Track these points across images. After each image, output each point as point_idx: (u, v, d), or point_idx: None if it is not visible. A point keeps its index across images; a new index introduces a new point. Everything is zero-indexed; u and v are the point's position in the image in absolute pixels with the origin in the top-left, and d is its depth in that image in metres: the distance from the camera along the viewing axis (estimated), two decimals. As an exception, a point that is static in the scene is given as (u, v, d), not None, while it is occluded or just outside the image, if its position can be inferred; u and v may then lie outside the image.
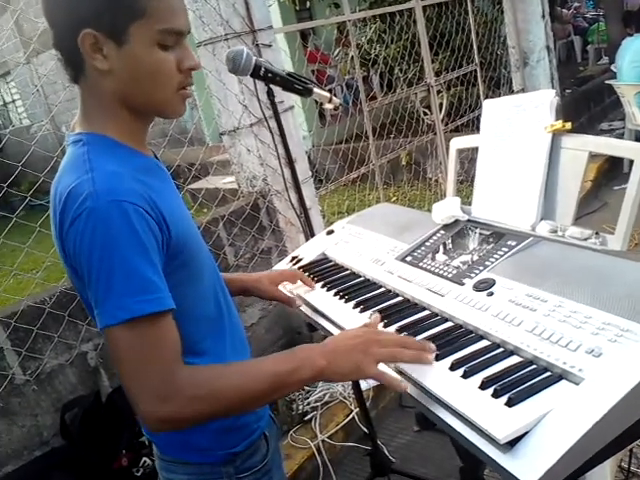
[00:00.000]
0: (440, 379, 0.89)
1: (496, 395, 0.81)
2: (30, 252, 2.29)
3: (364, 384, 1.97)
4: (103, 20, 0.85)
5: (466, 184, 3.17)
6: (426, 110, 5.23)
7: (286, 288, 1.38)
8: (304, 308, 1.32)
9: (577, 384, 0.78)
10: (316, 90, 1.48)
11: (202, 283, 0.99)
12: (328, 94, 1.51)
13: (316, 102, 1.62)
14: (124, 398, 1.05)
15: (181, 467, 1.03)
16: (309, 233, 1.99)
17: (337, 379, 0.95)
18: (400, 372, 0.95)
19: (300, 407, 2.51)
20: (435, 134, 4.22)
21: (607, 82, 5.29)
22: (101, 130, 0.92)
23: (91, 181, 0.83)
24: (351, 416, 2.50)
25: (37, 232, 2.07)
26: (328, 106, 1.54)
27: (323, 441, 2.38)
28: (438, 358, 0.94)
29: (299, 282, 1.38)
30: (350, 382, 2.29)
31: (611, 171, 4.74)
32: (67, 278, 0.99)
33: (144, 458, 1.96)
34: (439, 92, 4.31)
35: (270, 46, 2.75)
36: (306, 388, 2.61)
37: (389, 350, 0.92)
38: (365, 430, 2.22)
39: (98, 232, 0.81)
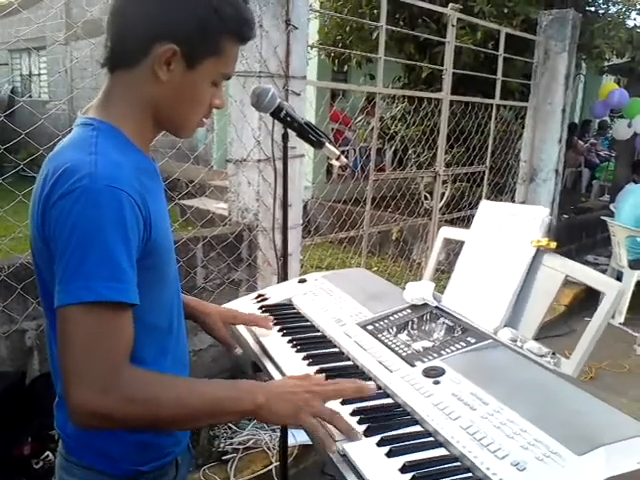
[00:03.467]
0: (365, 451, 0.88)
1: (413, 482, 0.80)
2: (5, 219, 2.26)
3: (292, 440, 1.93)
4: (190, 44, 0.91)
5: (447, 275, 3.21)
6: (427, 195, 5.35)
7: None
8: (254, 345, 1.31)
9: (494, 492, 0.78)
10: (327, 145, 1.52)
11: (162, 292, 0.99)
12: (338, 152, 1.55)
13: (327, 158, 1.66)
14: (48, 387, 1.02)
15: (82, 471, 0.99)
16: (283, 277, 1.99)
17: (272, 420, 0.95)
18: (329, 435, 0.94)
19: (222, 445, 2.44)
20: (430, 219, 4.31)
21: (603, 218, 5.47)
22: (117, 123, 0.94)
23: (93, 163, 0.84)
24: (269, 468, 2.43)
25: (18, 202, 2.06)
26: (335, 162, 1.58)
27: (234, 485, 2.31)
28: (369, 432, 0.93)
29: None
30: (278, 434, 2.24)
31: (586, 301, 4.82)
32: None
33: (48, 452, 1.87)
34: (444, 182, 4.43)
35: (299, 95, 2.84)
36: (233, 428, 2.55)
37: (329, 411, 0.93)
38: (279, 486, 2.15)
39: (86, 212, 0.81)
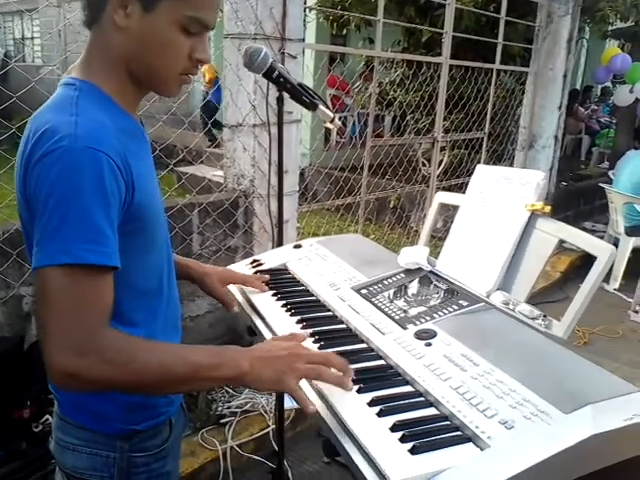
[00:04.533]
0: (356, 411, 0.90)
1: (403, 440, 0.81)
2: (0, 186, 2.23)
3: (288, 402, 1.96)
4: None
5: (444, 242, 3.22)
6: (425, 162, 5.32)
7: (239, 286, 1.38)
8: (249, 310, 1.32)
9: (482, 449, 0.79)
10: (321, 107, 1.49)
11: (150, 256, 0.99)
12: (332, 114, 1.53)
13: (323, 122, 1.64)
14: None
15: (77, 431, 1.00)
16: (279, 244, 1.99)
17: (257, 386, 0.93)
18: (322, 397, 0.95)
19: (220, 409, 2.48)
20: (428, 187, 4.30)
21: (601, 185, 5.45)
22: (97, 81, 0.93)
23: (74, 124, 0.83)
24: (266, 431, 2.48)
25: (12, 168, 2.03)
26: (329, 125, 1.56)
27: (232, 447, 2.36)
28: (360, 391, 0.94)
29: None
30: (274, 396, 2.27)
31: (582, 268, 4.84)
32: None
33: (47, 416, 1.90)
34: (442, 149, 4.40)
35: (295, 57, 2.78)
36: (230, 392, 2.59)
37: (313, 367, 0.92)
38: (276, 448, 2.20)
39: (66, 173, 0.80)
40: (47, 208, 0.80)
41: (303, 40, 2.86)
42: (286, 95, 1.54)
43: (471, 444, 0.82)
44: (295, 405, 2.51)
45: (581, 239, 1.24)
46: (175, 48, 0.92)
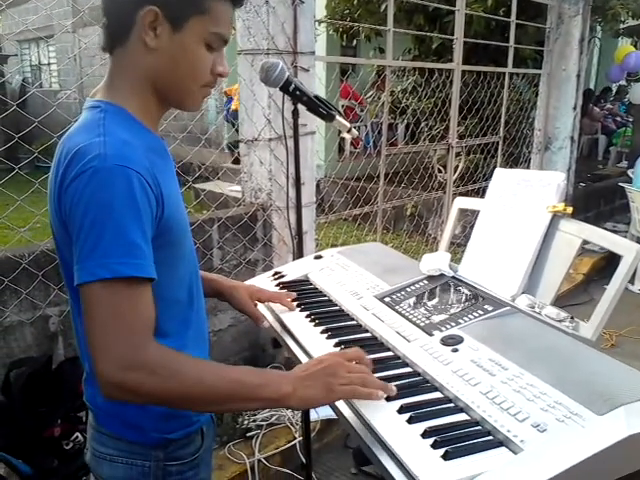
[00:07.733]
0: (386, 419, 0.90)
1: (435, 446, 0.81)
2: (23, 209, 2.28)
3: (314, 415, 1.95)
4: (170, 4, 0.91)
5: (463, 248, 3.19)
6: (441, 168, 5.31)
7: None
8: (273, 322, 1.32)
9: (515, 453, 0.79)
10: (338, 118, 1.51)
11: (180, 268, 1.01)
12: (348, 124, 1.54)
13: (339, 133, 1.65)
14: (74, 369, 1.05)
15: (113, 442, 1.02)
16: (299, 255, 2.00)
17: (307, 405, 0.95)
18: (351, 406, 0.95)
19: (245, 422, 2.47)
20: (444, 193, 4.28)
21: (621, 184, 5.38)
22: (122, 102, 0.96)
23: (102, 144, 0.86)
24: (293, 443, 2.46)
25: (35, 191, 2.07)
26: (346, 135, 1.57)
27: (259, 461, 2.35)
28: (389, 399, 0.94)
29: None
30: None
31: (605, 269, 4.79)
32: (51, 239, 1.01)
33: (77, 433, 1.92)
34: (458, 154, 4.39)
35: (307, 70, 2.81)
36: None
37: (357, 375, 0.93)
38: (303, 460, 2.19)
39: (98, 192, 0.83)
40: (83, 227, 0.84)
41: (314, 53, 2.89)
42: (301, 107, 1.56)
43: (504, 448, 0.81)
44: (320, 417, 2.47)
45: (605, 239, 1.23)
46: (201, 64, 0.97)
